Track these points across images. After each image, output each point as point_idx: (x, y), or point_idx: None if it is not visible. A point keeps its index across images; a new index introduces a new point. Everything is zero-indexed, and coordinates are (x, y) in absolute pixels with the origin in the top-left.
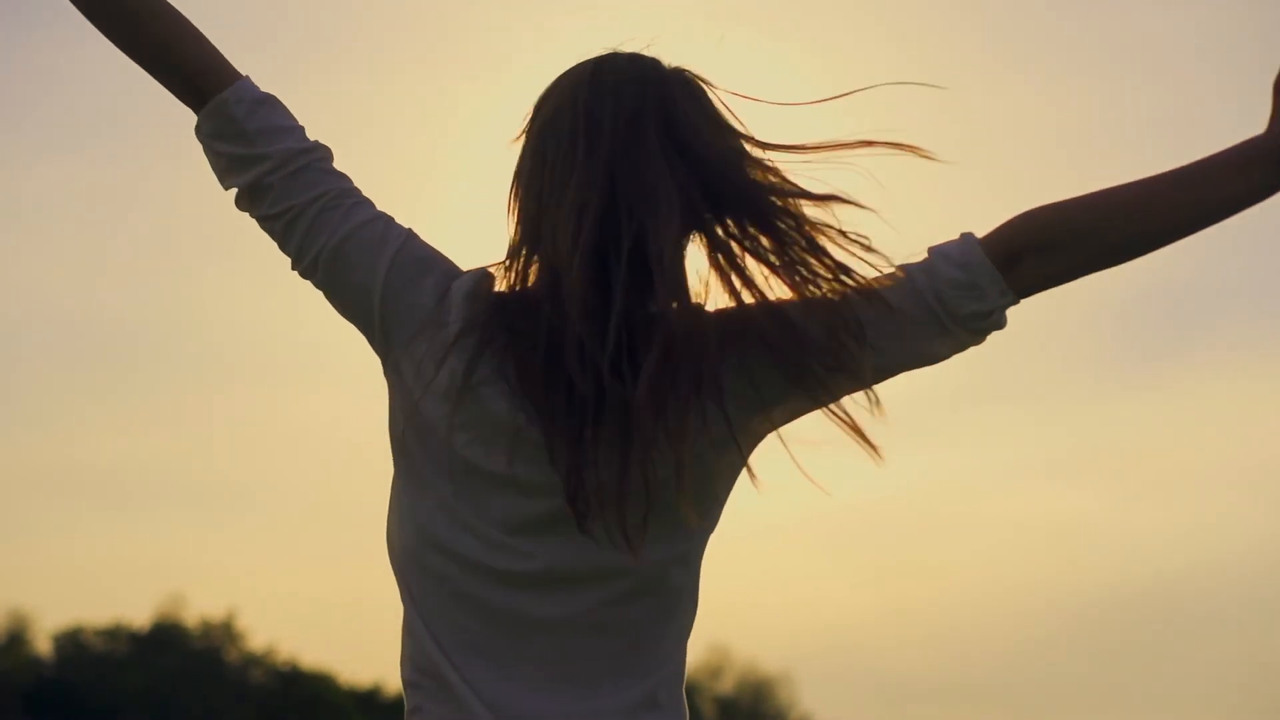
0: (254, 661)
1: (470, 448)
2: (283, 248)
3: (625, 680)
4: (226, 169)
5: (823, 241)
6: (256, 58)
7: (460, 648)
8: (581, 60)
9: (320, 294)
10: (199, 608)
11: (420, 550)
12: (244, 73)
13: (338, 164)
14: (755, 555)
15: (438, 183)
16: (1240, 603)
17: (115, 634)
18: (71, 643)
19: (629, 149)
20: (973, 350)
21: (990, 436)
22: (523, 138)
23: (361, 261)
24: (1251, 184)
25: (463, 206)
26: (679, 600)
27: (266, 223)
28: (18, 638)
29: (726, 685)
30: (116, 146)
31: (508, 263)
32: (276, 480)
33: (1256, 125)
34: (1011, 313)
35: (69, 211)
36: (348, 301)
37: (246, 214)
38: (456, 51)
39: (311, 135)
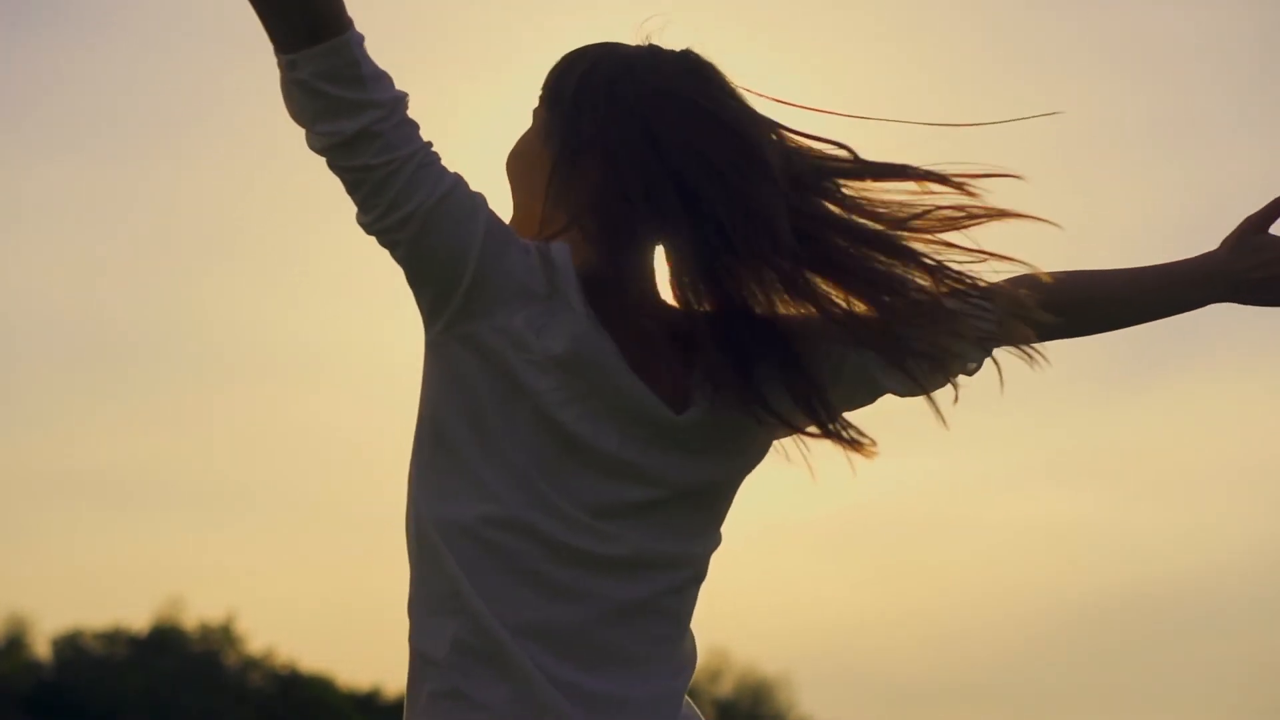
0: (253, 664)
1: (580, 423)
2: (368, 198)
3: (672, 665)
4: (331, 112)
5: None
6: (256, 61)
7: (525, 627)
8: (610, 44)
9: (323, 281)
10: (198, 611)
11: (483, 527)
12: (241, 74)
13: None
14: (755, 558)
15: None
16: (1239, 604)
17: (114, 637)
18: (70, 646)
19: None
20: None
21: (990, 439)
22: (554, 110)
23: (458, 225)
24: (1200, 300)
25: None
26: (699, 591)
27: (362, 172)
28: (17, 641)
29: (726, 688)
30: (116, 147)
31: (567, 238)
32: (275, 482)
33: (1256, 126)
34: None
35: (69, 212)
36: (434, 264)
37: (326, 158)
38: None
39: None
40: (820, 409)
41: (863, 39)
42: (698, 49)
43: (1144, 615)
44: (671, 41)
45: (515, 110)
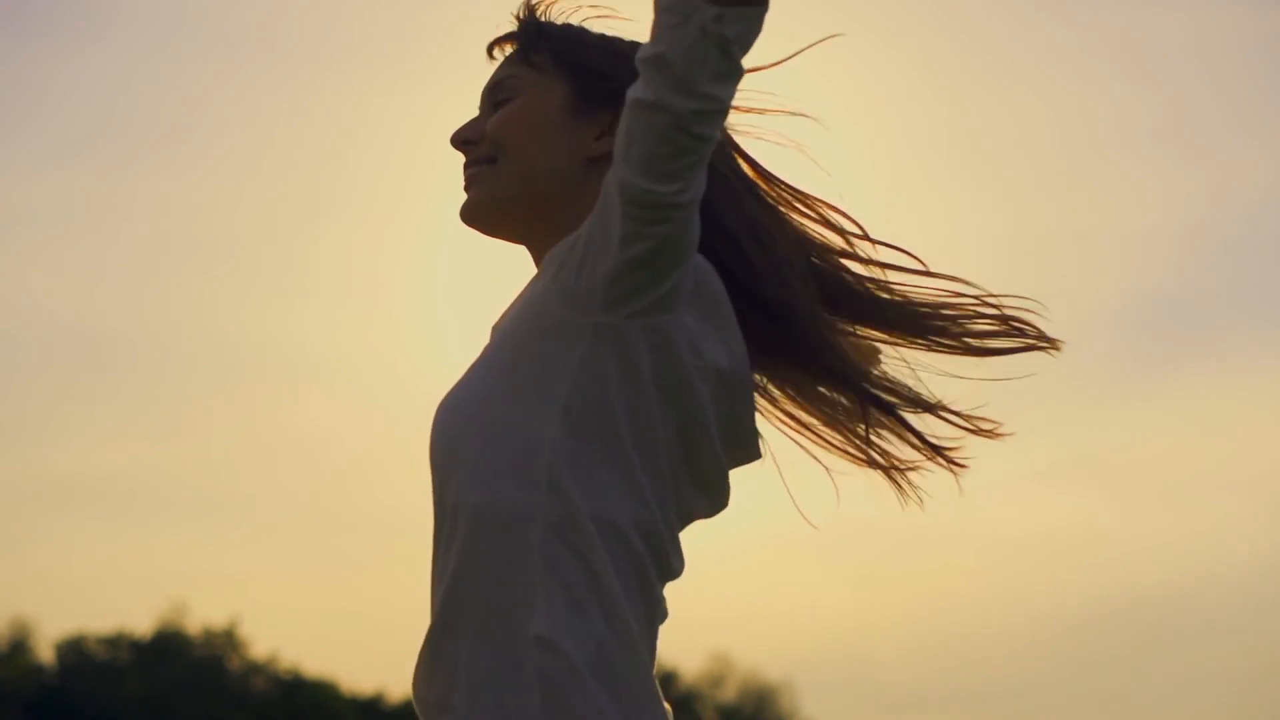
0: (256, 670)
1: (715, 439)
2: (689, 169)
3: None
4: (725, 77)
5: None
6: (254, 68)
7: (640, 639)
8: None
9: (340, 296)
10: (201, 616)
11: (631, 531)
12: (240, 81)
13: (341, 170)
14: (757, 564)
15: (438, 188)
16: (1239, 611)
17: (117, 642)
18: (73, 651)
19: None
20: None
21: (987, 444)
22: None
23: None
24: None
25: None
26: None
27: (706, 144)
28: (20, 646)
29: (728, 693)
30: (116, 154)
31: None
32: (278, 488)
33: (1258, 130)
34: None
35: (69, 220)
36: (680, 248)
37: (686, 123)
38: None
39: (313, 141)
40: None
41: (862, 45)
42: None
43: (1144, 621)
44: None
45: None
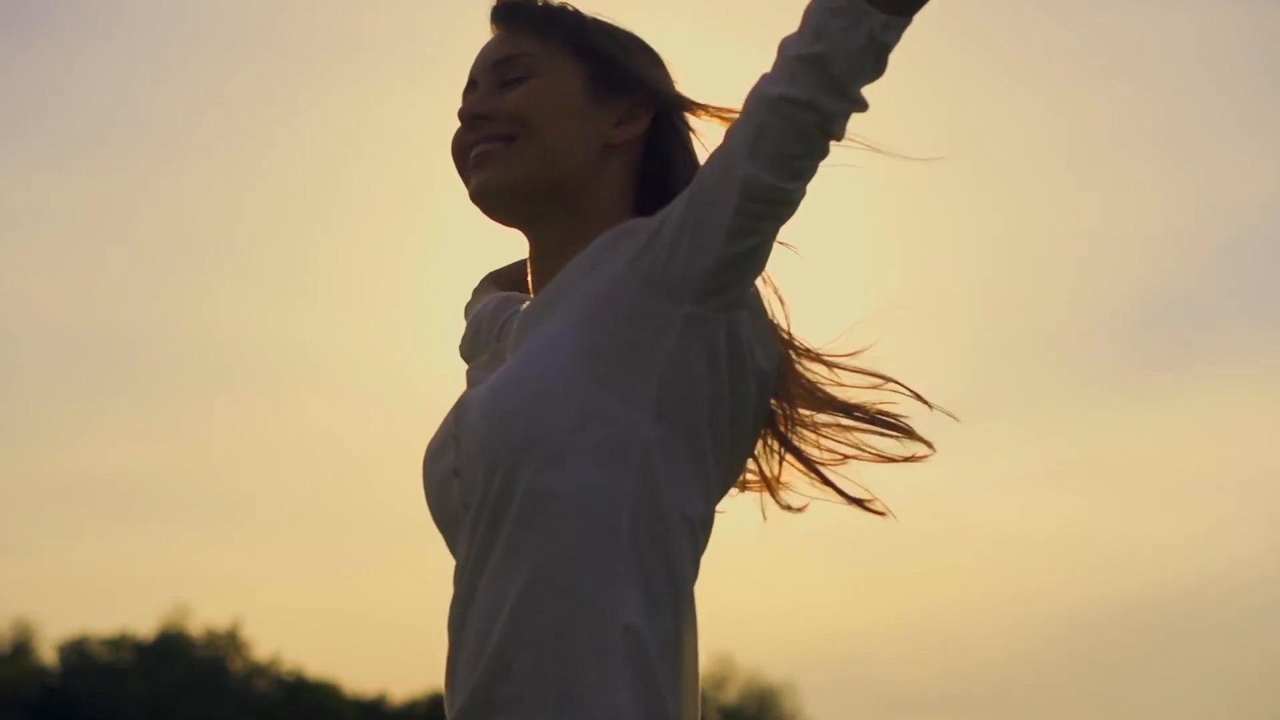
0: (258, 671)
1: (750, 436)
2: (812, 169)
3: None
4: (868, 81)
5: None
6: (255, 68)
7: (695, 633)
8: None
9: (350, 296)
10: (203, 617)
11: (698, 528)
12: (242, 82)
13: (341, 171)
14: (759, 565)
15: (439, 189)
16: (1241, 612)
17: (120, 643)
18: (76, 652)
19: None
20: (973, 360)
21: (990, 446)
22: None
23: None
24: None
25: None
26: None
27: (827, 147)
28: (23, 647)
29: (731, 695)
30: (118, 156)
31: None
32: (280, 490)
33: (1258, 129)
34: (1009, 322)
35: (70, 221)
36: (770, 243)
37: (822, 128)
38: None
39: (313, 142)
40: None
41: None
42: (670, 53)
43: (1146, 623)
44: (670, 43)
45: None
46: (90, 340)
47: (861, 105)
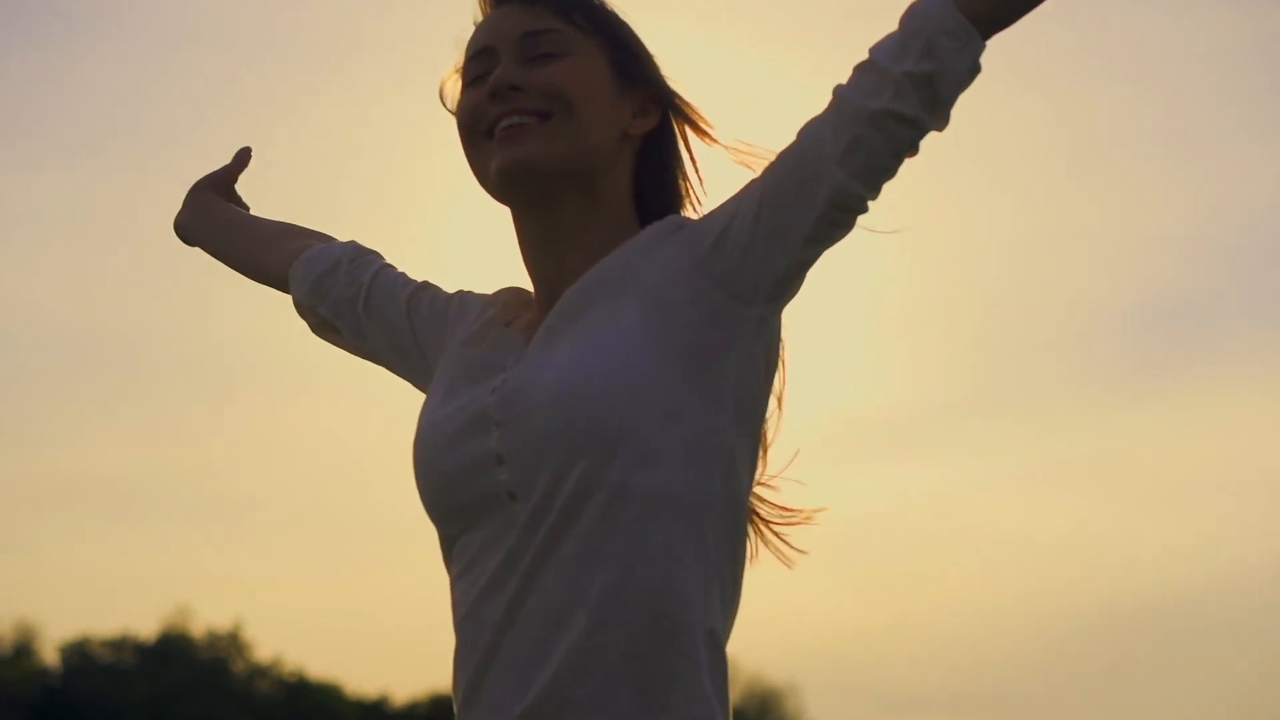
0: (260, 672)
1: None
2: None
3: None
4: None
5: None
6: (256, 70)
7: None
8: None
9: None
10: (205, 618)
11: (746, 522)
12: (242, 84)
13: (343, 173)
14: (761, 567)
15: (440, 192)
16: (1241, 614)
17: (122, 645)
18: (78, 654)
19: None
20: (974, 362)
21: (991, 448)
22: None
23: None
24: None
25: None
26: None
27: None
28: (25, 648)
29: (733, 695)
30: (119, 158)
31: None
32: (282, 491)
33: (1261, 132)
34: (1010, 323)
35: (72, 222)
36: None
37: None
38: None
39: (314, 144)
40: None
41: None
42: (669, 55)
43: (1147, 624)
44: (667, 44)
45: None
46: (92, 341)
47: (947, 125)
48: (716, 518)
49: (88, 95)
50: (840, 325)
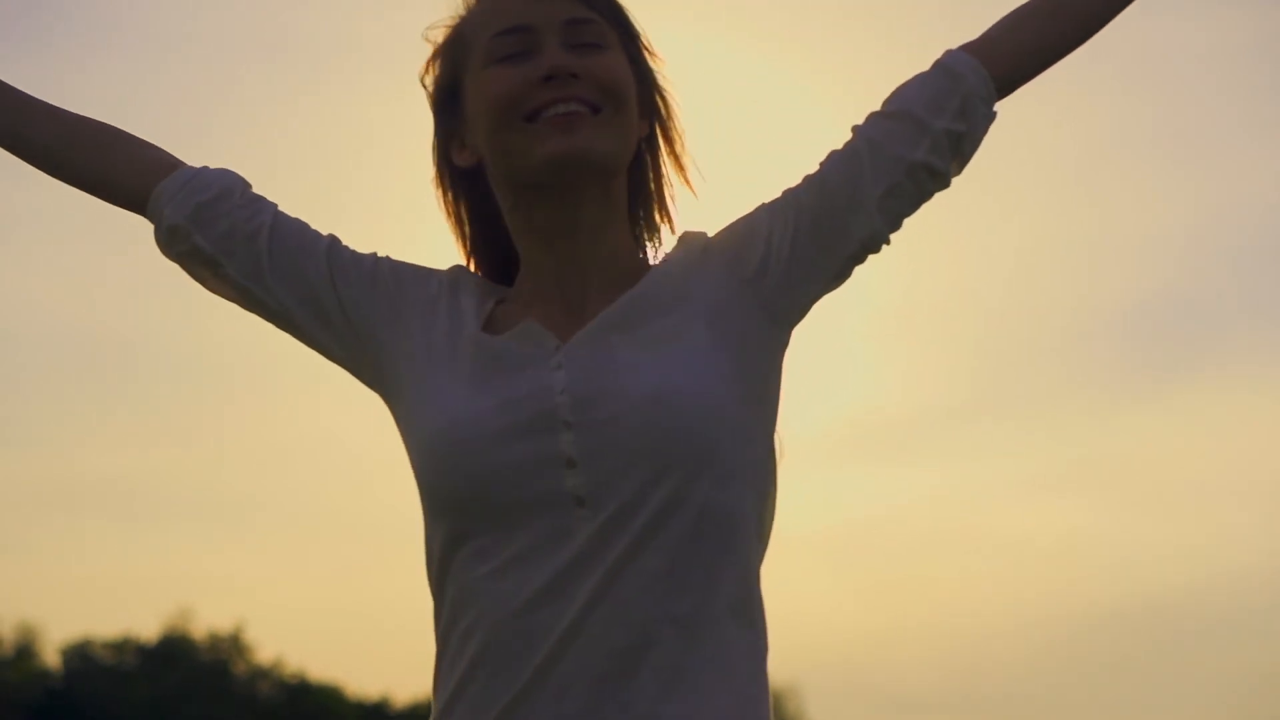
0: (262, 674)
1: None
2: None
3: None
4: None
5: None
6: (259, 71)
7: None
8: None
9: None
10: (207, 620)
11: None
12: (244, 84)
13: (344, 174)
14: (762, 569)
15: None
16: (1241, 615)
17: (123, 646)
18: (79, 655)
19: None
20: (975, 364)
21: (993, 451)
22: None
23: None
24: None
25: None
26: None
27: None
28: (26, 650)
29: None
30: None
31: None
32: (283, 492)
33: (1263, 133)
34: (1011, 325)
35: (73, 224)
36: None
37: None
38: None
39: (316, 146)
40: None
41: (865, 47)
42: (669, 55)
43: (1148, 627)
44: (668, 44)
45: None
46: (92, 342)
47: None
48: (762, 539)
49: (88, 96)
50: (842, 328)
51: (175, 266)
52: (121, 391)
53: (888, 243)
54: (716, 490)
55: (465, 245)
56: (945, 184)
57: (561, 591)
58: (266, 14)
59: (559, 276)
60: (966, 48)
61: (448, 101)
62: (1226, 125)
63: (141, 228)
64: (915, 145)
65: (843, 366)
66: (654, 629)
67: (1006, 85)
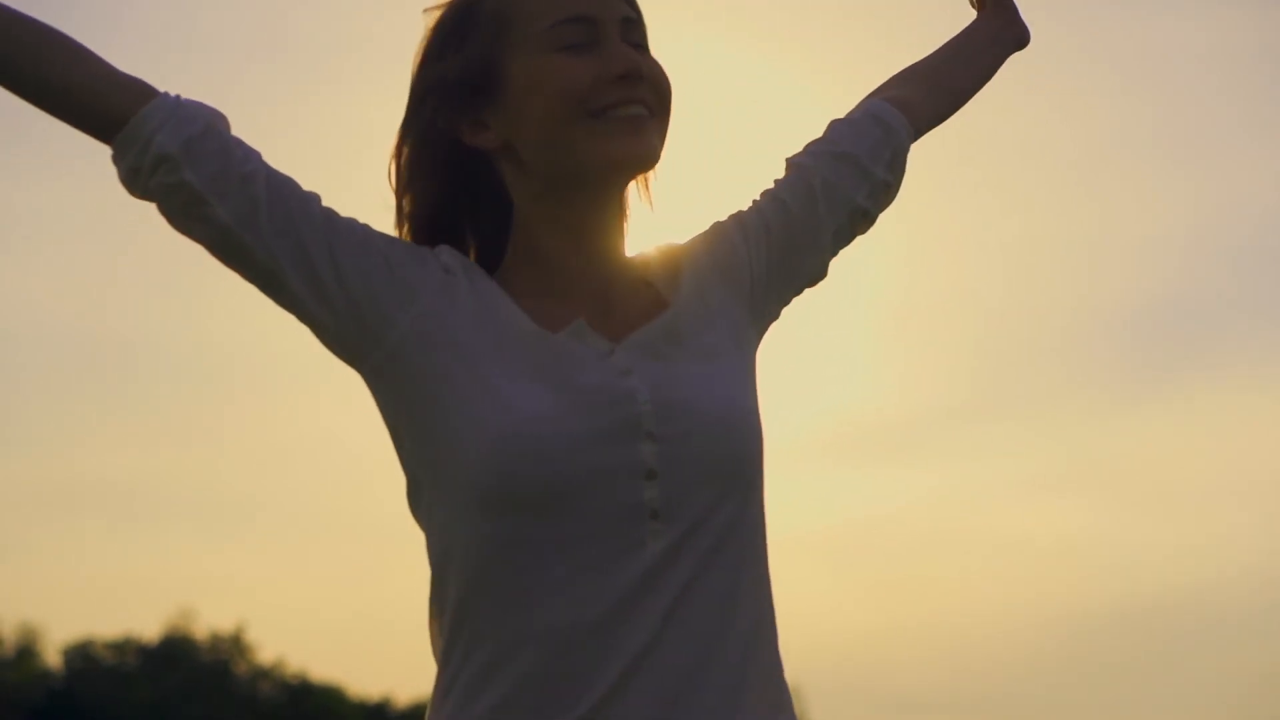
0: (263, 674)
1: None
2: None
3: None
4: None
5: None
6: (259, 71)
7: None
8: None
9: None
10: (208, 621)
11: None
12: (245, 85)
13: (345, 175)
14: None
15: None
16: (1242, 616)
17: (125, 647)
18: (81, 656)
19: None
20: (975, 365)
21: (993, 452)
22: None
23: None
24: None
25: None
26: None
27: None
28: (28, 650)
29: None
30: None
31: None
32: (284, 494)
33: (1258, 132)
34: (1011, 326)
35: (74, 225)
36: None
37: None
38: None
39: (318, 146)
40: None
41: (869, 51)
42: (669, 56)
43: (1148, 626)
44: (668, 44)
45: None
46: (93, 343)
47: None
48: (766, 547)
49: None
50: (842, 329)
51: (173, 267)
52: (121, 392)
53: (825, 274)
54: (759, 509)
55: (418, 219)
56: (870, 225)
57: (639, 605)
58: (266, 14)
59: (585, 274)
60: (890, 100)
61: (477, 79)
62: (1226, 125)
63: (142, 227)
64: (858, 189)
65: (843, 367)
66: (719, 646)
67: (920, 134)
